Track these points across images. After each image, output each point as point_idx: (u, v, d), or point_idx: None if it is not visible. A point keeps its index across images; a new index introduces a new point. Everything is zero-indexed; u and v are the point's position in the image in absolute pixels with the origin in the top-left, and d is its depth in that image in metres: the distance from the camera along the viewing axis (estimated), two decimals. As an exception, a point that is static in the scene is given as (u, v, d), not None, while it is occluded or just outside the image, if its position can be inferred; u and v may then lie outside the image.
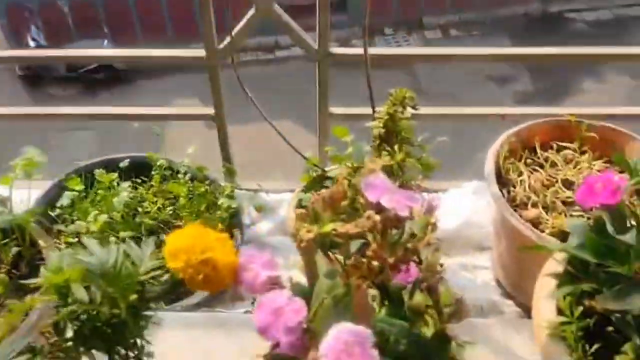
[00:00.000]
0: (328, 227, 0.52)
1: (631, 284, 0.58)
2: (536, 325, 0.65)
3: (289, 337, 0.56)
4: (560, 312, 0.63)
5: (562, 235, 0.91)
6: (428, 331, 0.58)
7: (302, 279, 0.64)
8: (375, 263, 0.52)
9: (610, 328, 0.63)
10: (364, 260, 0.53)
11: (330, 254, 0.58)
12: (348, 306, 0.55)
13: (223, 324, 0.88)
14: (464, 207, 1.17)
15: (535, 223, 0.96)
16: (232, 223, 1.13)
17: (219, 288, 0.59)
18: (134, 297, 0.57)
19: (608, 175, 0.60)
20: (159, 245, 0.61)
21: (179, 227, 1.11)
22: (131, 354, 0.61)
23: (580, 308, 0.61)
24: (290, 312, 0.56)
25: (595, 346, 0.60)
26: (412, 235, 0.55)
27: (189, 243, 0.58)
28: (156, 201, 1.12)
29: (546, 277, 0.68)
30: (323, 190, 0.55)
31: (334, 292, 0.56)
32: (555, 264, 0.69)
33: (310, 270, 0.61)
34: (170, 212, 1.12)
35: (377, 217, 0.52)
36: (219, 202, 1.13)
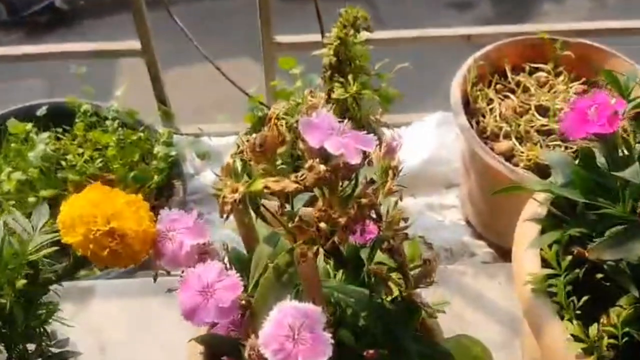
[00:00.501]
0: (258, 184, 0.41)
1: (631, 227, 0.49)
2: (517, 279, 0.56)
3: (222, 320, 0.45)
4: (545, 262, 0.54)
5: (538, 169, 0.83)
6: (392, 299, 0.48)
7: (241, 243, 0.54)
8: (323, 225, 0.41)
9: (599, 275, 0.54)
10: (311, 220, 0.41)
11: (270, 211, 0.46)
12: (293, 278, 0.44)
13: (162, 290, 0.77)
14: (429, 141, 1.07)
15: (508, 156, 0.87)
16: (172, 174, 1.01)
17: (130, 264, 0.47)
18: (21, 281, 0.45)
19: (602, 98, 0.50)
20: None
21: (111, 181, 0.97)
22: (32, 347, 0.50)
23: (569, 258, 0.52)
24: (222, 289, 0.45)
25: (584, 298, 0.52)
26: (370, 184, 0.44)
27: (89, 211, 0.46)
28: (82, 153, 0.98)
29: (527, 221, 0.58)
30: (253, 135, 0.43)
31: (275, 262, 0.45)
32: (536, 205, 0.59)
33: (247, 234, 0.50)
34: (100, 164, 0.98)
35: (322, 168, 0.40)
36: (155, 151, 0.99)
